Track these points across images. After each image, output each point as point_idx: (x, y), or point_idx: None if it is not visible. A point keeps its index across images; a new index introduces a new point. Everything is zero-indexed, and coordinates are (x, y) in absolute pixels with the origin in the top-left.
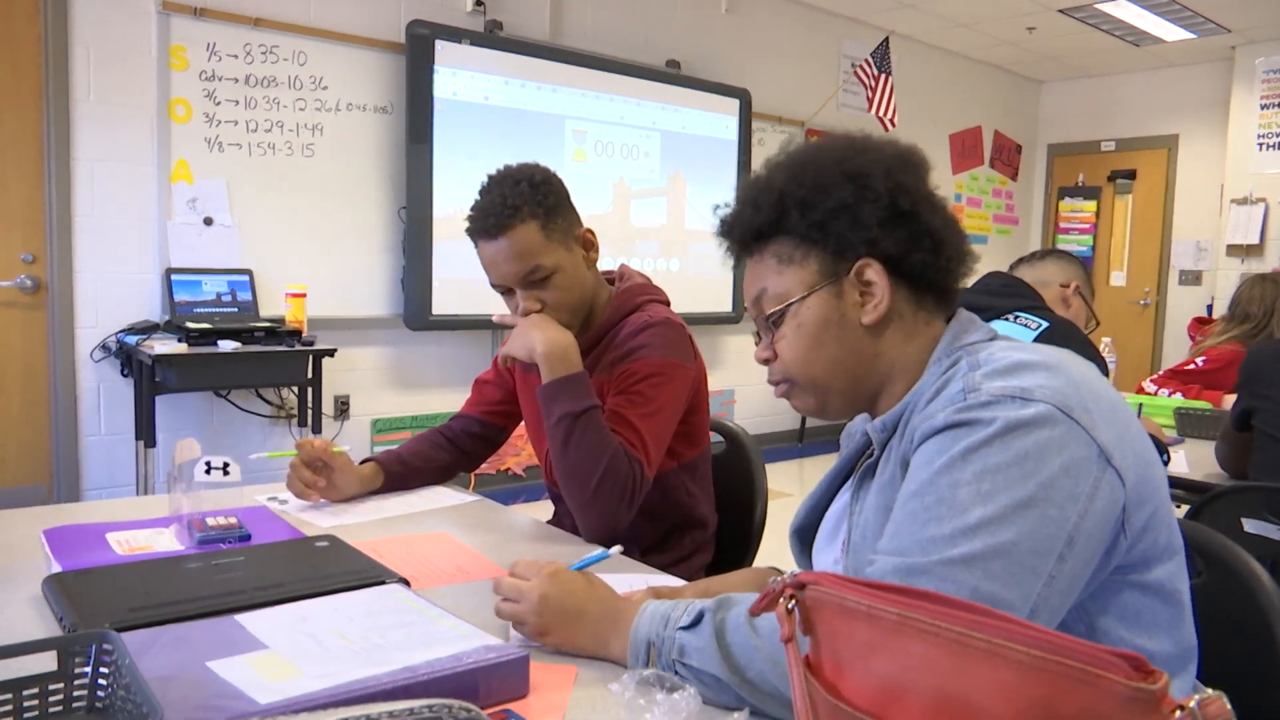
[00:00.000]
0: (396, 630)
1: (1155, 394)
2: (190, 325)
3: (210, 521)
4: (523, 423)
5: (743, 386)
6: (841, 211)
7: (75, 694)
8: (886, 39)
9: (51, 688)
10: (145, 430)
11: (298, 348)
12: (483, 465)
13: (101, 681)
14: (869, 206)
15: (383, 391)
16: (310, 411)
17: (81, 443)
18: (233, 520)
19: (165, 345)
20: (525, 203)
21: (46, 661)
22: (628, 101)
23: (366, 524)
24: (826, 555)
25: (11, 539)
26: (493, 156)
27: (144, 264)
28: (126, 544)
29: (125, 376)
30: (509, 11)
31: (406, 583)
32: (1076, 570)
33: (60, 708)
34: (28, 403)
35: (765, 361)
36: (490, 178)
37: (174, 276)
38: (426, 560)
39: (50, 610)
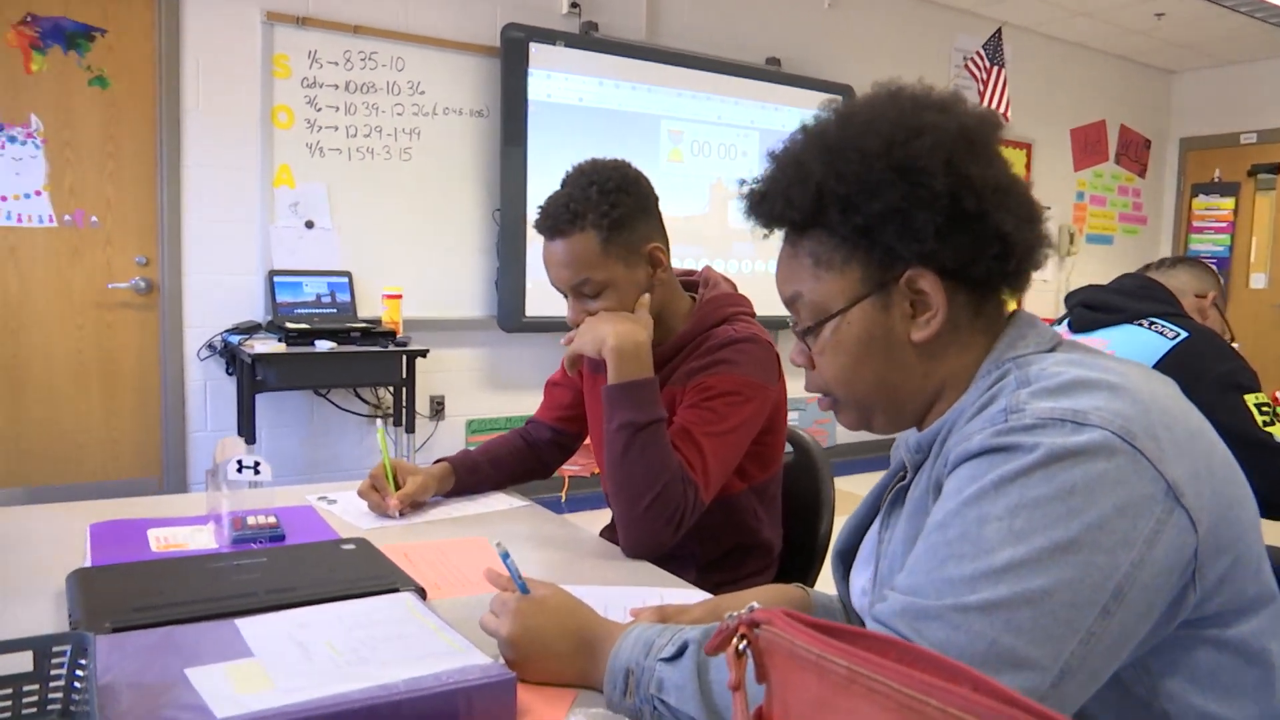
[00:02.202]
0: (390, 643)
1: None
2: (290, 325)
3: (250, 520)
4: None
5: None
6: (891, 217)
7: (51, 695)
8: (999, 30)
9: (26, 688)
10: (246, 427)
11: (391, 348)
12: (574, 469)
13: (77, 685)
14: (925, 212)
15: (477, 392)
16: (405, 411)
17: (189, 438)
18: (271, 520)
19: (265, 345)
20: (590, 210)
21: (26, 661)
22: (725, 101)
23: (408, 527)
24: (859, 581)
25: (66, 531)
26: (587, 158)
27: (248, 266)
28: (163, 541)
29: (229, 375)
30: (604, 12)
31: (423, 592)
32: (1127, 627)
33: (34, 709)
34: (140, 399)
35: (801, 366)
36: (570, 171)
37: (276, 278)
38: (454, 568)
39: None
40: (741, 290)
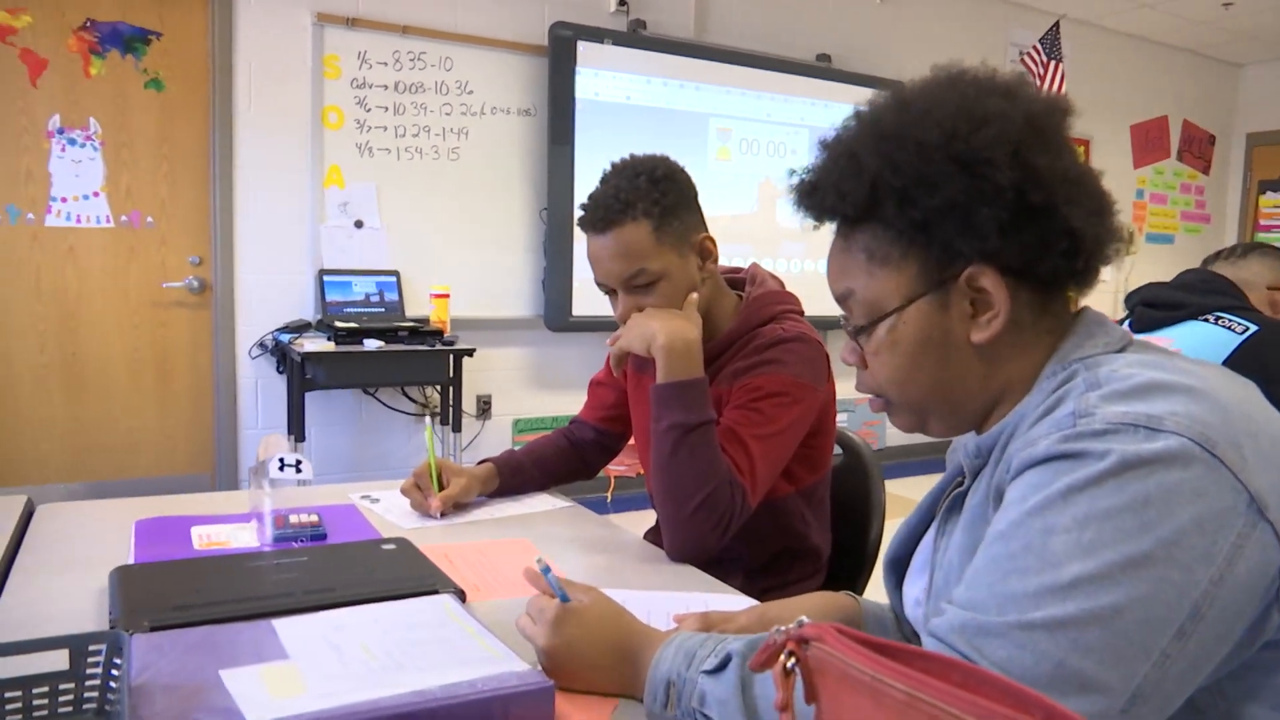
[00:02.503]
0: (427, 646)
1: None
2: (339, 324)
3: (292, 519)
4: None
5: None
6: (951, 211)
7: (86, 694)
8: (1057, 23)
9: (62, 687)
10: (296, 425)
11: (438, 347)
12: (620, 469)
13: (112, 685)
14: (988, 207)
15: (524, 392)
16: (452, 410)
17: (240, 435)
18: (313, 518)
19: (314, 343)
20: (640, 199)
21: (63, 660)
22: (775, 98)
23: (450, 527)
24: (912, 591)
25: (112, 527)
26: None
27: (299, 265)
28: (206, 538)
29: (280, 373)
30: (653, 10)
31: (462, 594)
32: (1204, 648)
33: (70, 708)
34: (194, 397)
35: (853, 365)
36: (611, 167)
37: (326, 277)
38: (495, 569)
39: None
40: (791, 289)
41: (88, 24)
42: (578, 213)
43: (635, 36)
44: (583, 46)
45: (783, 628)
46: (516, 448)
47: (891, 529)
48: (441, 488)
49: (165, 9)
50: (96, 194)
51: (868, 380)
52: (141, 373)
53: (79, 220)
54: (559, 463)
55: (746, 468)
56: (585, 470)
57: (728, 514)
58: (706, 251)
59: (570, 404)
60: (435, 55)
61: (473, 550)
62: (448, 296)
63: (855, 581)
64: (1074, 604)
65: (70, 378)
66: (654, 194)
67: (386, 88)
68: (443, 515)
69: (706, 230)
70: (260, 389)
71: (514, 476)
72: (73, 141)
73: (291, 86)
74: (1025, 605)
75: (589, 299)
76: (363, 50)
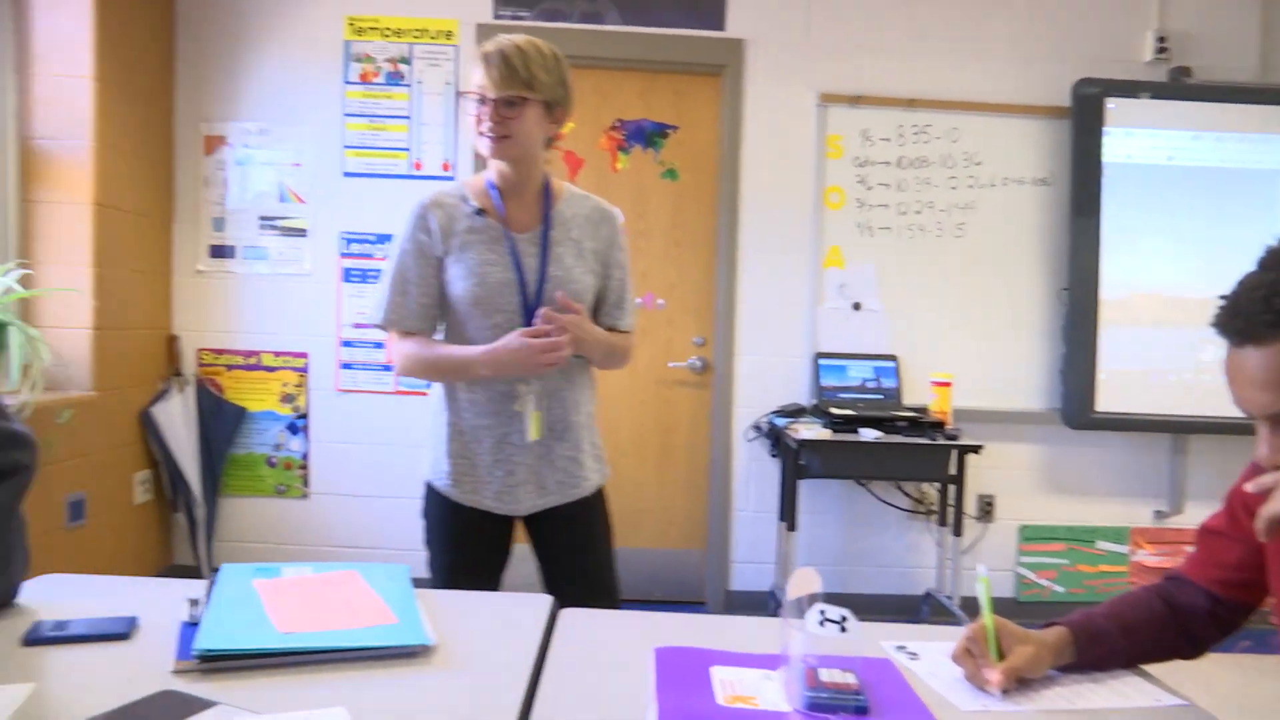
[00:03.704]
0: None
1: None
2: (834, 410)
3: (824, 675)
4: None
5: None
6: None
7: None
8: None
9: None
10: (788, 513)
11: (940, 441)
12: None
13: None
14: None
15: (1034, 495)
16: (953, 511)
17: (732, 517)
18: (849, 678)
19: (810, 430)
20: None
21: None
22: None
23: (1019, 715)
24: None
25: (632, 647)
26: (1176, 228)
27: (795, 348)
28: (729, 687)
29: (773, 457)
30: (1200, 54)
31: None
32: None
33: None
34: (692, 474)
35: None
36: (1270, 251)
37: (821, 361)
38: None
39: None
40: None
41: (617, 124)
42: (1111, 293)
43: (1178, 86)
44: (1112, 103)
45: None
46: (1028, 559)
47: None
48: (1001, 655)
49: (682, 104)
50: None
51: None
52: (645, 448)
53: None
54: (1153, 633)
55: None
56: (1189, 649)
57: None
58: None
59: (1089, 514)
60: (941, 126)
61: None
62: (950, 385)
63: None
64: None
65: None
66: None
67: (889, 164)
68: (1005, 693)
69: None
70: (752, 472)
71: (1093, 646)
72: None
73: (795, 169)
74: None
75: (1117, 393)
76: (865, 128)
